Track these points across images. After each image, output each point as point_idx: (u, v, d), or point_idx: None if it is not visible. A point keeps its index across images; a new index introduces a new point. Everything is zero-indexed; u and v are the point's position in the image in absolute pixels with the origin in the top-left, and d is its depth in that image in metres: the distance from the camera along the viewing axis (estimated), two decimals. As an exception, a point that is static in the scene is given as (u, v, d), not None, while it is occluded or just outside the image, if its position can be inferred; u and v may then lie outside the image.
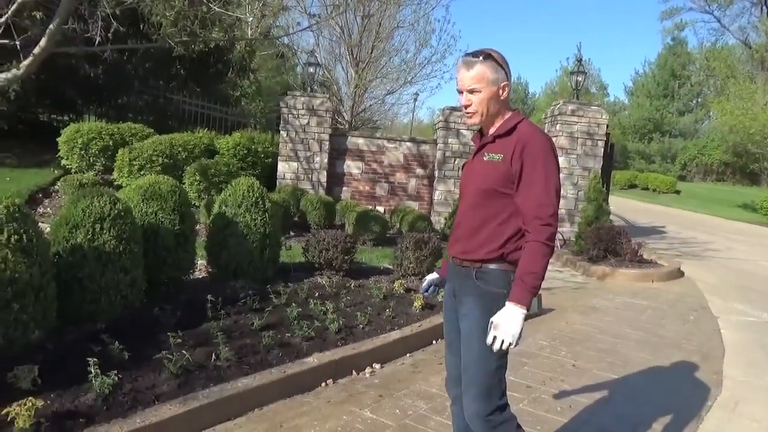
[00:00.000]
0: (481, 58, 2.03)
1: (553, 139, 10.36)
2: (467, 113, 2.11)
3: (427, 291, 2.46)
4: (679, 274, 8.30)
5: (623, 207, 20.26)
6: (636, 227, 13.74)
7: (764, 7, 33.72)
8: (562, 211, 10.36)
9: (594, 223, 8.99)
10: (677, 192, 30.13)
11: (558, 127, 10.39)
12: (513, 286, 1.95)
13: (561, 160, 10.41)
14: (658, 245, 10.92)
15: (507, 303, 1.93)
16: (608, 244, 8.31)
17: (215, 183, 8.84)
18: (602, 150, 10.48)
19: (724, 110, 27.02)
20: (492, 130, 2.12)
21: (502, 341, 1.90)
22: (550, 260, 2.05)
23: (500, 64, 2.05)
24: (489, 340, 1.93)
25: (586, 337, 4.98)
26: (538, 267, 1.93)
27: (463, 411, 2.12)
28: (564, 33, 74.57)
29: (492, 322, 1.94)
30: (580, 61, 11.20)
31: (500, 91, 2.06)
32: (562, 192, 10.91)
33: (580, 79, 11.08)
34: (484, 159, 2.09)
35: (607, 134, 10.68)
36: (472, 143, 2.31)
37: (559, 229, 10.18)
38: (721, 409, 3.59)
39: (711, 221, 16.61)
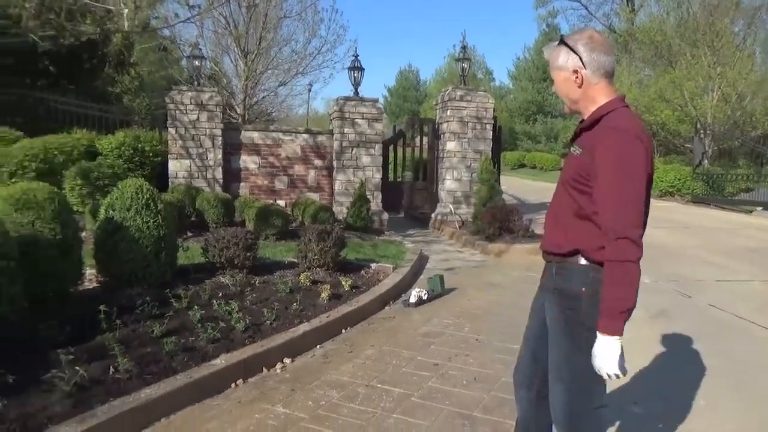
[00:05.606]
0: (559, 42, 1.95)
1: (445, 125, 10.91)
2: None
3: None
4: (566, 245, 8.91)
5: (514, 186, 21.41)
6: (526, 204, 14.56)
7: (625, -5, 36.74)
8: (458, 194, 10.77)
9: (488, 203, 9.41)
10: (561, 169, 32.26)
11: (449, 112, 10.73)
12: (600, 314, 1.78)
13: (453, 144, 10.74)
14: (546, 220, 11.62)
15: (597, 333, 1.79)
16: (502, 222, 8.74)
17: (100, 187, 8.25)
18: (491, 133, 10.98)
19: (596, 91, 29.18)
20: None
21: (607, 373, 1.80)
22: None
23: (572, 48, 1.88)
24: (596, 368, 1.82)
25: (486, 312, 5.23)
26: (619, 290, 1.72)
27: (528, 397, 2.13)
28: (451, 20, 76.91)
29: (594, 353, 1.82)
30: (464, 48, 11.59)
31: (574, 77, 1.90)
32: (457, 175, 10.97)
33: (465, 65, 11.50)
34: (572, 151, 1.96)
35: (495, 117, 11.19)
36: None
37: (456, 211, 10.65)
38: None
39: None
